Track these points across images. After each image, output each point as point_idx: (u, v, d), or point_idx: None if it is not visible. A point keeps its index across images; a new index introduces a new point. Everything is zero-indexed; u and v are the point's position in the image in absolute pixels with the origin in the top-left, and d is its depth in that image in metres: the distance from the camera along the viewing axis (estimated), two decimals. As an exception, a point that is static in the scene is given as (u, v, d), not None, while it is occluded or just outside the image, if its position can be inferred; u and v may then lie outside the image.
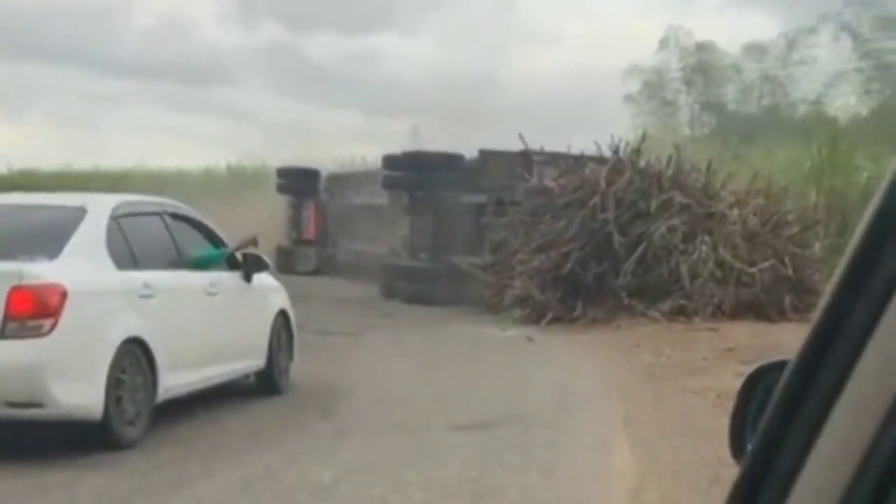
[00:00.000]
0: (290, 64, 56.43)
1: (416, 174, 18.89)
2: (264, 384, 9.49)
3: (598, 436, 8.09)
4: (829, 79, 28.35)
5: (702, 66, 31.79)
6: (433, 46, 49.22)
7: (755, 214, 15.75)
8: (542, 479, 6.74)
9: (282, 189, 26.50)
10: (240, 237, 9.91)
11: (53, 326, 6.87)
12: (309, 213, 25.74)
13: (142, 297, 7.64)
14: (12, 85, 66.68)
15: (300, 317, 15.49)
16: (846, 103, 27.80)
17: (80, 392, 6.98)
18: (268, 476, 6.73)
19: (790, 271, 14.97)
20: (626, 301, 14.75)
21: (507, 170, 17.54)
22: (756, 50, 31.02)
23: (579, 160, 17.00)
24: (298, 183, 25.99)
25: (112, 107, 67.57)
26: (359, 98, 54.24)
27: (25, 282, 6.93)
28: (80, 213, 7.75)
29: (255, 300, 9.45)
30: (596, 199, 15.40)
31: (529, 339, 13.75)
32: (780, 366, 1.69)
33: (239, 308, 9.10)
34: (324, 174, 26.58)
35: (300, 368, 11.12)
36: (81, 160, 47.12)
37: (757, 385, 1.70)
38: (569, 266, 15.28)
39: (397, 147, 20.53)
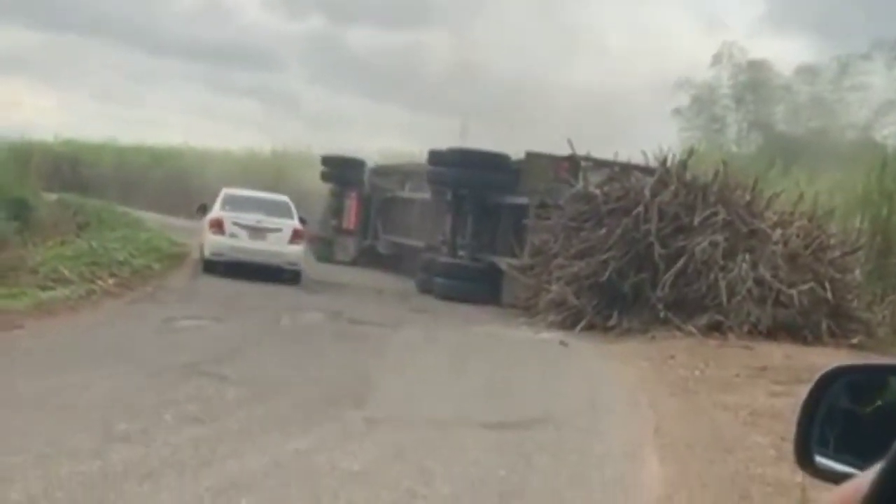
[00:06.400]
0: (332, 55, 56.79)
1: (460, 171, 18.92)
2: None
3: (627, 444, 8.07)
4: (880, 106, 28.04)
5: (753, 85, 31.52)
6: (478, 47, 49.22)
7: (798, 236, 15.65)
8: (570, 482, 6.74)
9: (325, 177, 26.59)
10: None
11: (301, 241, 19.03)
12: (351, 202, 25.85)
13: None
14: (56, 55, 67.50)
15: (336, 305, 15.71)
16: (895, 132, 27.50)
17: (300, 262, 18.95)
18: (296, 457, 6.78)
19: (829, 295, 14.85)
20: (662, 313, 14.70)
21: (553, 173, 17.54)
22: (808, 72, 30.73)
23: (626, 168, 16.97)
24: (343, 172, 26.09)
25: (155, 84, 68.34)
26: (402, 93, 54.43)
27: (295, 226, 18.92)
28: (285, 201, 20.07)
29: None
30: (639, 209, 15.37)
31: (563, 344, 13.74)
32: (853, 369, 1.65)
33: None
34: (368, 165, 26.65)
35: (334, 356, 11.21)
36: (125, 134, 47.73)
37: (828, 388, 1.63)
38: (607, 274, 15.27)
39: (441, 143, 20.58)
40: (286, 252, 18.55)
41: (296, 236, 18.80)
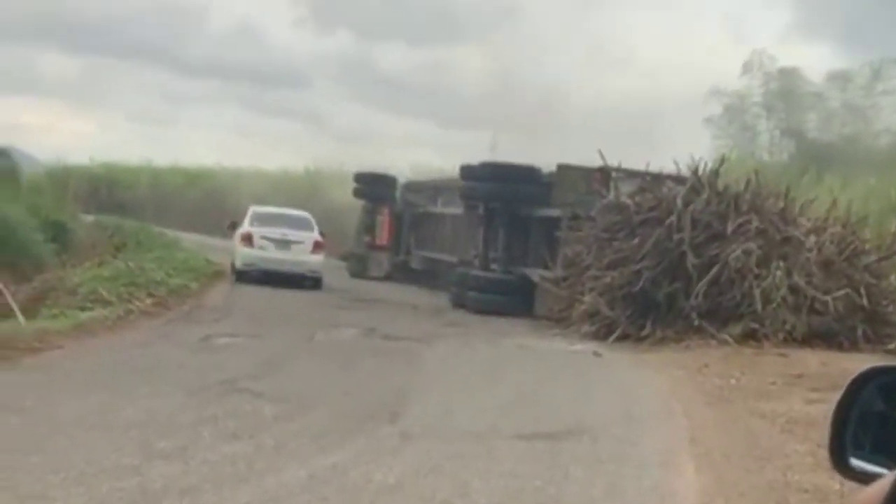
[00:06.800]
0: (362, 72, 57.11)
1: (492, 185, 18.97)
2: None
3: (663, 453, 8.06)
4: (914, 110, 27.74)
5: (784, 92, 31.30)
6: (507, 61, 49.32)
7: (832, 242, 15.54)
8: (606, 492, 6.74)
9: (358, 194, 26.73)
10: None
11: (321, 251, 21.25)
12: (383, 218, 25.96)
13: None
14: (91, 79, 68.35)
15: (370, 321, 15.79)
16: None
17: (320, 270, 21.43)
18: (333, 471, 6.84)
19: (864, 301, 14.74)
20: (696, 322, 14.65)
21: (584, 185, 17.55)
22: (840, 78, 30.43)
23: (658, 178, 16.94)
24: (374, 188, 26.21)
25: (188, 105, 69.17)
26: (431, 108, 54.68)
27: (316, 238, 21.23)
28: (306, 216, 22.31)
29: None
30: (672, 219, 15.33)
31: (597, 355, 13.73)
32: (887, 371, 1.63)
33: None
34: (400, 181, 26.75)
35: (369, 371, 11.26)
36: (160, 156, 48.33)
37: (862, 390, 1.61)
38: (640, 284, 15.23)
39: (473, 158, 20.66)
40: (308, 261, 20.95)
41: (316, 247, 21.17)
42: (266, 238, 20.88)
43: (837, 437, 1.62)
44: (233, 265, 21.50)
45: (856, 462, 1.60)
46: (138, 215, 38.56)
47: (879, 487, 1.01)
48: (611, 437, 8.55)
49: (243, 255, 20.93)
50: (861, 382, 1.63)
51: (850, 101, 29.48)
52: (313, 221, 21.99)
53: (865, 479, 1.53)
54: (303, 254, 20.93)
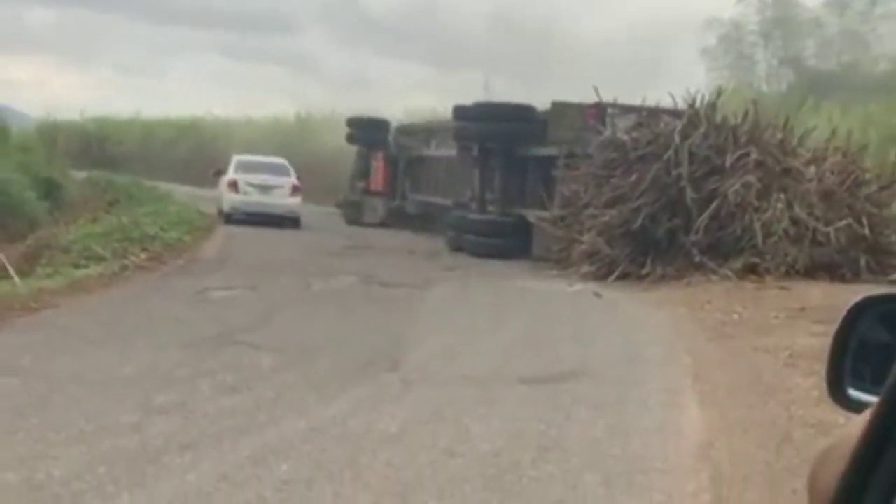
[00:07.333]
0: (351, 14, 56.37)
1: (486, 125, 18.74)
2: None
3: (666, 392, 8.00)
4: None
5: (781, 20, 30.96)
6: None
7: (832, 172, 15.39)
8: (609, 433, 6.68)
9: (351, 139, 26.50)
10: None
11: (298, 194, 23.24)
12: (378, 163, 25.76)
13: None
14: (78, 33, 67.59)
15: (367, 268, 15.69)
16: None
17: (298, 211, 23.11)
18: (333, 421, 6.78)
19: (867, 231, 14.63)
20: (697, 258, 14.55)
21: (580, 122, 17.32)
22: (837, 4, 30.10)
23: (654, 113, 16.73)
24: (368, 133, 25.97)
25: (176, 55, 68.49)
26: (422, 50, 54.10)
27: (293, 182, 23.21)
28: (284, 163, 24.22)
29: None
30: (670, 154, 15.15)
31: (597, 295, 13.64)
32: (886, 299, 1.56)
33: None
34: (393, 125, 26.50)
35: (367, 319, 11.19)
36: (150, 108, 47.95)
37: (861, 317, 1.54)
38: (639, 221, 15.10)
39: (466, 99, 20.41)
40: (287, 203, 23.01)
41: (294, 190, 23.29)
42: (250, 184, 22.97)
43: (835, 368, 1.56)
44: (220, 210, 23.36)
45: (854, 393, 1.54)
46: (130, 169, 38.30)
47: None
48: (613, 377, 8.49)
49: (230, 199, 22.98)
50: (858, 311, 1.55)
51: (849, 26, 29.15)
52: (290, 167, 23.90)
53: (864, 410, 1.48)
54: (282, 197, 22.96)
